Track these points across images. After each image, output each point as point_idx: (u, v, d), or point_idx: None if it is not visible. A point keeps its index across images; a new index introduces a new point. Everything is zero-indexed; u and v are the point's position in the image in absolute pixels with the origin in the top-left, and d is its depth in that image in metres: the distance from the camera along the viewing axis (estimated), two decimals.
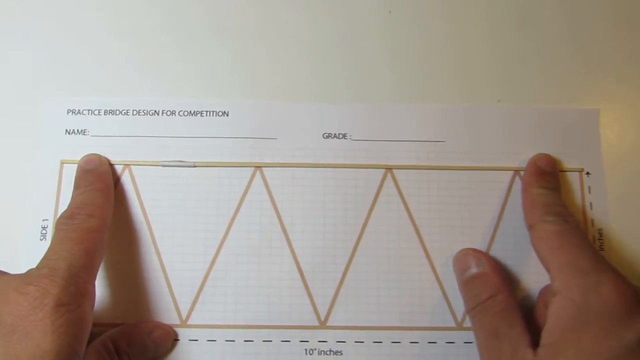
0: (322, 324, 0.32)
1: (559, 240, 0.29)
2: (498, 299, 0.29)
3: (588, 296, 0.26)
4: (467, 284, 0.32)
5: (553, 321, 0.27)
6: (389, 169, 0.35)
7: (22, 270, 0.31)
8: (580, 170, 0.35)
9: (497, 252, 0.34)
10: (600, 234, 0.34)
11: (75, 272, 0.27)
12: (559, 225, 0.30)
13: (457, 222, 0.34)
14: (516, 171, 0.35)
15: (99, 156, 0.34)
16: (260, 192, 0.34)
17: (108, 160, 0.34)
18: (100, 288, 0.32)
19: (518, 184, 0.34)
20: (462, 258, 0.32)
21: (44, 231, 0.33)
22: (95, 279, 0.28)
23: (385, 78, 0.36)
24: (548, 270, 0.29)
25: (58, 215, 0.32)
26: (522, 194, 0.33)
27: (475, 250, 0.33)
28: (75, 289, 0.26)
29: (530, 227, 0.31)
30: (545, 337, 0.27)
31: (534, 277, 0.33)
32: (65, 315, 0.25)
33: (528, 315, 0.30)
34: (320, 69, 0.36)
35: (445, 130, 0.35)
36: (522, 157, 0.35)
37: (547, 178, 0.33)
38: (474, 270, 0.31)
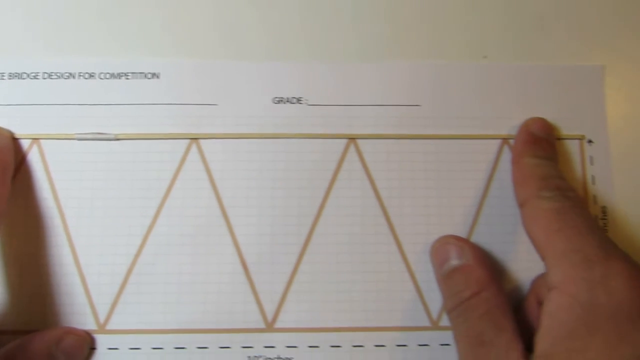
0: (270, 327, 0.27)
1: (558, 221, 0.23)
2: (483, 297, 0.24)
3: (594, 292, 0.21)
4: (446, 279, 0.26)
5: (550, 324, 0.21)
6: (351, 138, 0.29)
7: None
8: (581, 138, 0.29)
9: (481, 237, 0.28)
10: (604, 213, 0.28)
11: None
12: (558, 202, 0.24)
13: (434, 202, 0.28)
14: (505, 139, 0.29)
15: None
16: (196, 169, 0.28)
17: (11, 134, 0.28)
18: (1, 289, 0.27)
19: (507, 155, 0.29)
20: (441, 248, 0.27)
21: None
22: None
23: (348, 32, 0.30)
24: (543, 258, 0.23)
25: None
26: (512, 165, 0.28)
27: (456, 238, 0.27)
28: None
29: (522, 205, 0.25)
30: (541, 344, 0.21)
31: (525, 265, 0.28)
32: None
33: (517, 313, 0.25)
34: (269, 21, 0.30)
35: (420, 92, 0.29)
36: (512, 123, 0.29)
37: (543, 145, 0.27)
38: (454, 262, 0.26)
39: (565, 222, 0.23)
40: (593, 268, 0.21)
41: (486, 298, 0.24)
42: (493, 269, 0.26)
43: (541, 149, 0.27)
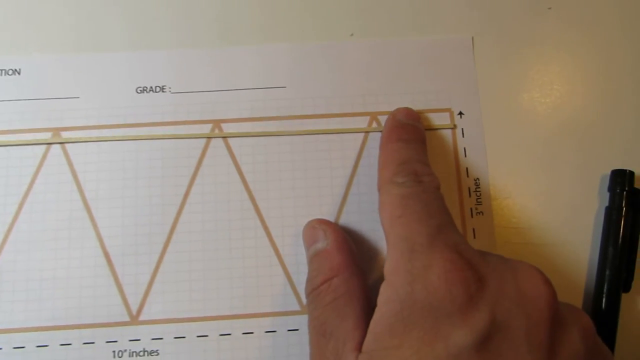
0: (134, 319, 0.26)
1: (401, 207, 0.22)
2: (333, 284, 0.23)
3: (414, 286, 0.19)
4: (309, 263, 0.25)
5: (376, 319, 0.20)
6: (216, 124, 0.28)
7: None
8: (452, 111, 0.29)
9: (350, 216, 0.27)
10: (477, 185, 0.28)
11: None
12: (408, 188, 0.23)
13: (301, 184, 0.28)
14: (373, 117, 0.28)
15: None
16: (58, 163, 0.28)
17: None
18: None
19: (376, 133, 0.28)
20: (307, 231, 0.26)
21: None
22: None
23: (210, 16, 0.30)
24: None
25: None
26: (379, 152, 0.27)
27: (320, 221, 0.26)
28: None
29: (378, 191, 0.24)
30: (368, 340, 0.20)
31: None
32: None
33: None
34: (129, 10, 0.30)
35: (285, 74, 0.29)
36: (381, 100, 0.29)
37: (408, 129, 0.26)
38: (318, 245, 0.25)
39: (407, 209, 0.22)
40: (416, 259, 0.20)
41: (336, 285, 0.23)
42: (353, 254, 0.25)
43: (405, 132, 0.26)
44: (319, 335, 0.22)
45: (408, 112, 0.27)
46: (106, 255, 0.27)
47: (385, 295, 0.20)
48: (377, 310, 0.20)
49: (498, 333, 0.19)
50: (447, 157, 0.28)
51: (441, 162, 0.28)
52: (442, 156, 0.28)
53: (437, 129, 0.28)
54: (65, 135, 0.28)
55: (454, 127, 0.28)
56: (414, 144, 0.26)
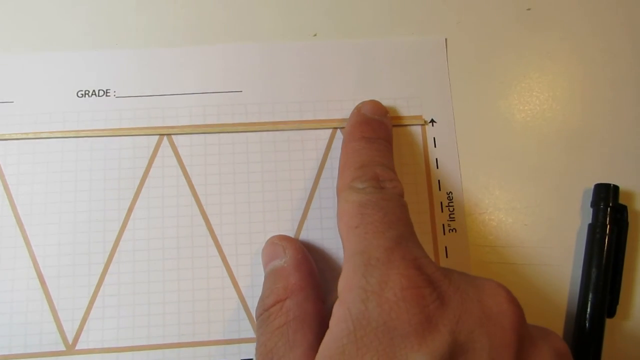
0: (70, 349, 0.24)
1: (358, 216, 0.20)
2: (286, 306, 0.21)
3: (368, 304, 0.17)
4: (264, 281, 0.23)
5: (327, 341, 0.18)
6: (165, 132, 0.26)
7: None
8: (423, 120, 0.26)
9: (311, 233, 0.25)
10: (450, 199, 0.26)
11: None
12: (367, 195, 0.20)
13: (257, 198, 0.25)
14: (337, 125, 0.26)
15: None
16: None
17: None
18: None
19: (339, 141, 0.26)
20: (267, 248, 0.24)
21: None
22: None
23: (161, 14, 0.27)
24: None
25: None
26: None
27: (280, 238, 0.24)
28: None
29: (337, 196, 0.22)
30: None
31: None
32: None
33: None
34: (70, 7, 0.27)
35: (242, 77, 0.26)
36: (345, 107, 0.26)
37: (373, 125, 0.24)
38: (276, 262, 0.23)
39: (365, 218, 0.20)
40: (371, 274, 0.18)
41: (288, 308, 0.21)
42: (313, 272, 0.22)
43: (370, 130, 0.24)
44: None
45: (375, 105, 0.25)
46: (40, 276, 0.24)
47: (337, 315, 0.18)
48: (328, 332, 0.18)
49: (459, 356, 0.17)
50: (418, 168, 0.26)
51: (411, 173, 0.26)
52: (412, 167, 0.26)
53: (406, 125, 0.26)
54: None
55: (424, 123, 0.26)
56: (378, 143, 0.23)
